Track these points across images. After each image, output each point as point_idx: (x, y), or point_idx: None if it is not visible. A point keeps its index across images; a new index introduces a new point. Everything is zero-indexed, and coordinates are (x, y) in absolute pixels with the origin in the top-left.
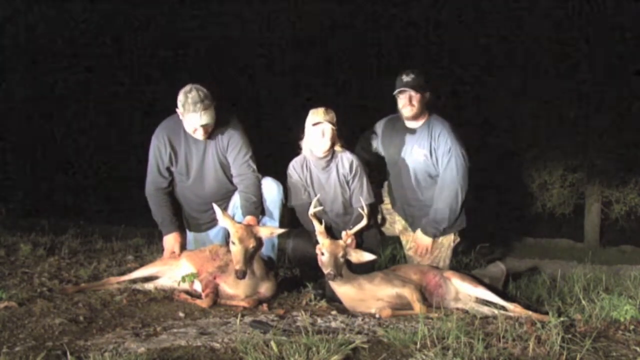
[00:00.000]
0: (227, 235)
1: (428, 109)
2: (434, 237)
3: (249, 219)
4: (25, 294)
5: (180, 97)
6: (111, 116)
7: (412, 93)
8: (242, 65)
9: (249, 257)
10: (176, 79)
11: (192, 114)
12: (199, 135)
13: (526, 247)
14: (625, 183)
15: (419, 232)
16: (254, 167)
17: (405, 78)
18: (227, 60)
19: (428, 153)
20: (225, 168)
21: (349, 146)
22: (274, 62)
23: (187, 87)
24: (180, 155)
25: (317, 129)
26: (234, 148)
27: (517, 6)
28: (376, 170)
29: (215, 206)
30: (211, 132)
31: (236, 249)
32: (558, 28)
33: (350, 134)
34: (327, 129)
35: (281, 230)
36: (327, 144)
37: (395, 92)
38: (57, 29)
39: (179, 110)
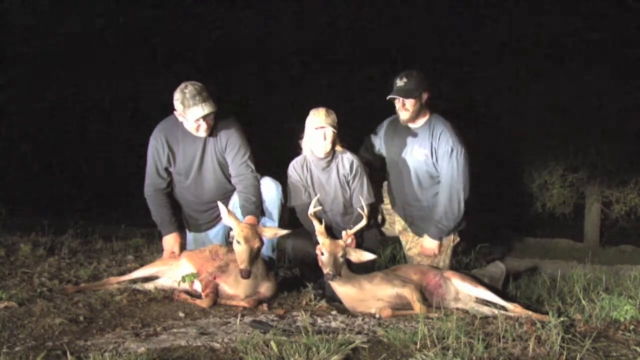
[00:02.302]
0: (226, 236)
1: (428, 108)
2: (440, 239)
3: (249, 218)
4: (25, 294)
5: (177, 95)
6: (111, 116)
7: (404, 99)
8: (242, 64)
9: (254, 256)
10: (176, 80)
11: (193, 107)
12: (202, 131)
13: (526, 247)
14: (625, 183)
15: (425, 237)
16: (253, 167)
17: (399, 83)
18: (227, 60)
19: (429, 153)
20: (224, 168)
21: (349, 147)
22: (275, 61)
23: (182, 85)
24: (178, 156)
25: (319, 132)
26: (232, 148)
27: (518, 6)
28: (376, 170)
29: (220, 205)
30: (210, 131)
31: (241, 249)
32: (559, 27)
33: (351, 135)
34: (329, 132)
35: (285, 232)
36: (329, 146)
37: (388, 97)
38: (54, 28)
39: (178, 109)
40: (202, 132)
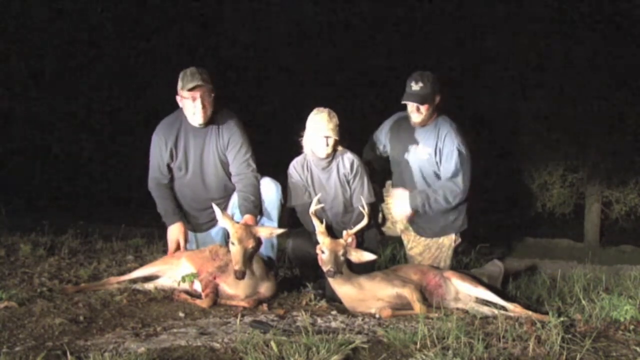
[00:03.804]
0: (226, 235)
1: (437, 109)
2: (414, 209)
3: (248, 217)
4: (25, 294)
5: (180, 76)
6: (112, 115)
7: (418, 104)
8: (242, 64)
9: (249, 257)
10: (177, 79)
11: (190, 83)
12: (198, 113)
13: (526, 247)
14: (625, 183)
15: (400, 199)
16: (254, 166)
17: (414, 87)
18: (227, 60)
19: (432, 152)
20: (224, 165)
21: (350, 147)
22: (275, 60)
23: (185, 69)
24: (179, 150)
25: (322, 138)
26: (234, 146)
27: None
28: (376, 170)
29: (214, 206)
30: (212, 128)
31: (235, 250)
32: (559, 27)
33: (352, 134)
34: (331, 140)
35: (281, 231)
36: (330, 149)
37: (402, 101)
38: (58, 25)
39: (178, 87)
40: (199, 116)
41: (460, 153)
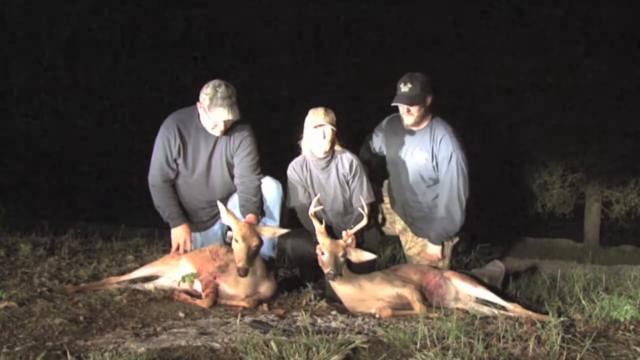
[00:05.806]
0: (224, 235)
1: (431, 110)
2: (442, 243)
3: (250, 217)
4: (25, 294)
5: (208, 91)
6: (112, 115)
7: (408, 106)
8: (241, 63)
9: (252, 255)
10: (177, 79)
11: (219, 108)
12: (217, 131)
13: (526, 247)
14: (625, 183)
15: (427, 243)
16: (258, 171)
17: (403, 88)
18: (228, 59)
19: (429, 156)
20: (231, 168)
21: (348, 146)
22: (274, 61)
23: (216, 82)
24: (188, 149)
25: (318, 130)
26: (243, 150)
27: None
28: (375, 170)
29: (219, 203)
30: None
31: (239, 247)
32: (559, 28)
33: (350, 134)
34: (328, 130)
35: (284, 231)
36: (328, 145)
37: (393, 104)
38: (63, 21)
39: (204, 102)
40: (217, 132)
41: (456, 156)
